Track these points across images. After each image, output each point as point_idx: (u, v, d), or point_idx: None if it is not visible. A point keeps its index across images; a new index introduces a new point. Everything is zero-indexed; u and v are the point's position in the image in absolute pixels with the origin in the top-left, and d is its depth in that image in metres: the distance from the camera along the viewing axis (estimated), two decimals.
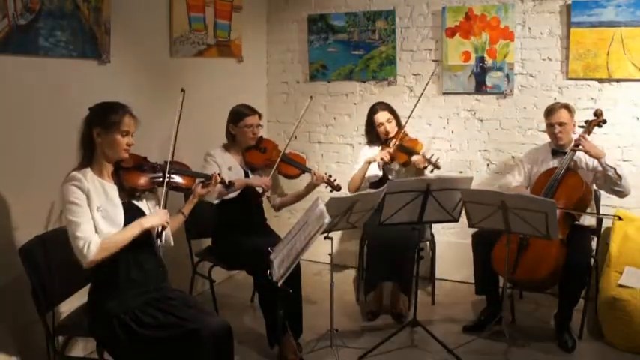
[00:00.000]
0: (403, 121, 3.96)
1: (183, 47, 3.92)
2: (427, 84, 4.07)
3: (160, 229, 2.41)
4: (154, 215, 2.44)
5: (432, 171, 3.65)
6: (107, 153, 2.38)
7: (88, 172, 2.35)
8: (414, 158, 3.70)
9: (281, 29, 4.90)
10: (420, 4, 4.39)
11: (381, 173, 3.86)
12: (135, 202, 2.48)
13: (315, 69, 4.79)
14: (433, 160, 3.61)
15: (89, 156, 2.38)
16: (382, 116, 3.89)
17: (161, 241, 2.41)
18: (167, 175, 2.53)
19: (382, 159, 3.76)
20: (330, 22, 4.67)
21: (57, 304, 2.60)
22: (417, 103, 3.95)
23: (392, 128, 3.89)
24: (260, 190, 3.38)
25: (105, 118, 2.34)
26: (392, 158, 3.81)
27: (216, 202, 3.23)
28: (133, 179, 2.46)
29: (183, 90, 2.66)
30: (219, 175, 2.81)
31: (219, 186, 2.86)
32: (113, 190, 2.40)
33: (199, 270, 3.61)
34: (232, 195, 3.16)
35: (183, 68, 3.95)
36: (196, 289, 3.78)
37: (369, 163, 3.84)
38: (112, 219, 2.34)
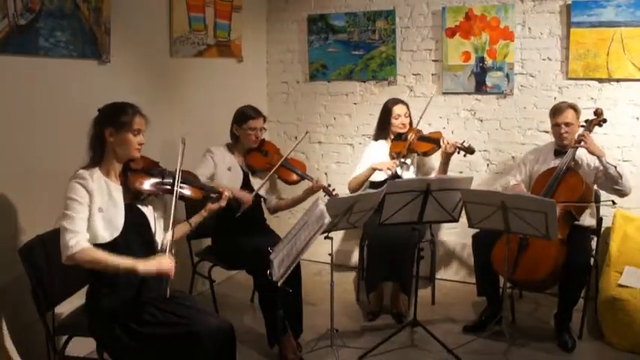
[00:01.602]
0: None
1: (183, 47, 3.92)
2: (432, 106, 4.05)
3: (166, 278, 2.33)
4: (152, 262, 2.31)
5: (464, 155, 3.62)
6: (118, 152, 2.39)
7: (96, 170, 2.36)
8: (444, 142, 3.62)
9: (281, 29, 4.90)
10: (420, 4, 4.39)
11: (388, 174, 3.84)
12: (139, 205, 2.47)
13: (315, 69, 4.79)
14: (465, 144, 3.58)
15: (99, 155, 2.39)
16: (401, 109, 3.90)
17: (167, 285, 2.34)
18: (177, 186, 2.49)
19: (388, 169, 3.74)
20: (330, 22, 4.67)
21: (57, 304, 2.60)
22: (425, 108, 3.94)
23: (407, 123, 3.91)
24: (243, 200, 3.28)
25: (116, 118, 2.36)
26: (408, 151, 3.80)
27: None
28: (139, 182, 2.45)
29: (183, 142, 2.57)
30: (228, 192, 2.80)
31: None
32: (118, 190, 2.40)
33: (199, 270, 3.61)
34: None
35: (183, 68, 3.96)
36: (196, 289, 3.78)
37: (374, 169, 3.82)
38: (112, 221, 2.33)
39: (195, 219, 2.73)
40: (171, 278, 2.32)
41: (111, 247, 2.31)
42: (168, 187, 2.52)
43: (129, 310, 2.34)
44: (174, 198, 2.48)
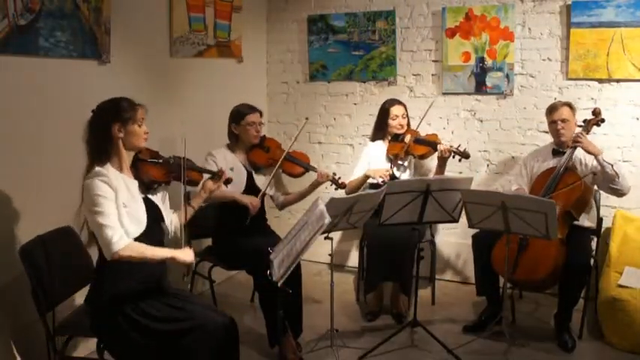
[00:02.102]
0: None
1: (183, 47, 3.92)
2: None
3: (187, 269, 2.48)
4: (187, 253, 2.43)
5: (459, 160, 3.63)
6: (128, 145, 2.41)
7: (109, 167, 2.37)
8: (441, 147, 3.63)
9: (281, 29, 4.90)
10: (420, 5, 4.39)
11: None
12: (150, 196, 2.50)
13: (315, 69, 4.79)
14: (461, 148, 3.59)
15: (107, 153, 2.39)
16: (398, 110, 3.90)
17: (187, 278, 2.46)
18: (184, 173, 2.55)
19: (381, 177, 3.74)
20: (330, 23, 4.67)
21: (57, 304, 2.59)
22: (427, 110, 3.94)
23: (404, 124, 3.91)
24: (250, 208, 3.30)
25: (120, 114, 2.38)
26: (405, 154, 3.80)
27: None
28: (152, 171, 2.51)
29: (184, 140, 2.61)
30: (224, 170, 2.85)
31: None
32: (134, 184, 2.42)
33: (199, 270, 3.61)
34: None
35: (183, 68, 3.96)
36: (196, 289, 3.78)
37: (368, 177, 3.84)
38: (136, 216, 2.35)
39: (196, 201, 2.75)
40: (192, 269, 2.44)
41: (139, 241, 2.33)
42: (176, 173, 2.57)
43: (134, 305, 2.34)
44: (182, 184, 2.53)
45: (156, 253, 2.34)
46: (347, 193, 3.89)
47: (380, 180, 3.73)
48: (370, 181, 3.89)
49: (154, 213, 2.47)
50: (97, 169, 2.33)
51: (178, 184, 2.59)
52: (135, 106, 2.42)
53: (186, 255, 2.41)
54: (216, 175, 2.79)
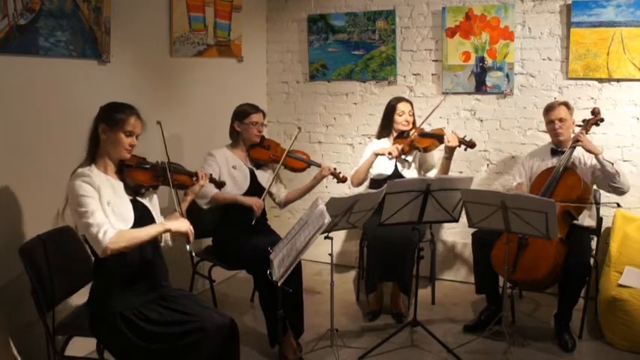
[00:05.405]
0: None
1: (183, 47, 3.92)
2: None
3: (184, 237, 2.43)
4: (181, 221, 2.44)
5: (465, 149, 3.63)
6: (110, 151, 2.40)
7: (93, 168, 2.37)
8: (448, 135, 3.62)
9: (281, 29, 4.90)
10: (420, 4, 4.39)
11: (389, 171, 3.84)
12: (139, 198, 2.50)
13: (315, 69, 4.79)
14: (467, 139, 3.60)
15: (93, 152, 2.40)
16: (405, 106, 3.91)
17: (191, 247, 2.43)
18: (171, 174, 2.56)
19: (390, 153, 3.73)
20: (330, 22, 4.67)
21: (57, 304, 2.59)
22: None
23: (410, 121, 3.91)
24: (254, 209, 3.34)
25: (110, 116, 2.37)
26: (410, 147, 3.80)
27: (205, 207, 3.24)
28: (138, 176, 2.49)
29: (159, 122, 2.58)
30: (210, 174, 2.87)
31: (211, 186, 2.90)
32: (120, 186, 2.42)
33: (199, 270, 3.61)
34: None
35: (183, 68, 3.96)
36: (196, 288, 3.78)
37: (377, 155, 3.82)
38: (122, 214, 2.35)
39: (183, 207, 2.73)
40: (191, 240, 2.42)
41: None
42: (163, 178, 2.56)
43: (133, 308, 2.34)
44: (171, 187, 2.54)
45: (149, 232, 2.32)
46: (354, 179, 3.91)
47: (389, 157, 3.73)
48: (375, 175, 3.88)
49: (144, 215, 2.46)
50: (80, 170, 2.34)
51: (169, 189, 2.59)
52: (130, 115, 2.39)
53: (181, 224, 2.40)
54: (195, 177, 2.76)
